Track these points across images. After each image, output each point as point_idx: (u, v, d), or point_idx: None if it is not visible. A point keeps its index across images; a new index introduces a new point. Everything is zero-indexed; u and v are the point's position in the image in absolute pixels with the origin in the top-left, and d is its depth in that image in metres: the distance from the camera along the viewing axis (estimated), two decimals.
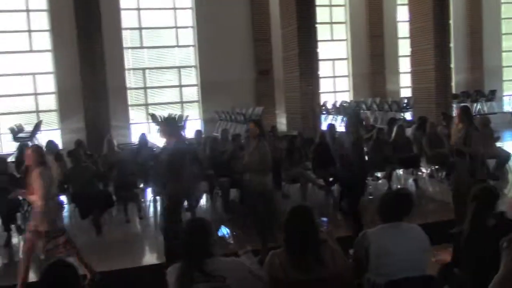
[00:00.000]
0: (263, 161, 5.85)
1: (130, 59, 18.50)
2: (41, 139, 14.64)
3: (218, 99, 17.98)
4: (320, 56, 14.62)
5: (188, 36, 19.17)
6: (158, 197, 8.20)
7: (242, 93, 18.73)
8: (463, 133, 6.35)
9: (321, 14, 18.02)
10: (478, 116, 16.05)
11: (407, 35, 15.88)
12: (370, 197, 8.40)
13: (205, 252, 2.98)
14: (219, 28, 18.19)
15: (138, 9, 18.51)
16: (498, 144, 9.86)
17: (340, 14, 21.25)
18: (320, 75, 14.68)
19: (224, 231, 3.38)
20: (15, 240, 7.28)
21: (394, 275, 3.24)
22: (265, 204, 5.87)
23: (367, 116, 15.59)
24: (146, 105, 18.86)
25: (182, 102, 19.33)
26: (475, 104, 20.18)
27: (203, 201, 8.69)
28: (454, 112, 13.35)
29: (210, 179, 8.31)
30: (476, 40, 21.98)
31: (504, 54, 22.56)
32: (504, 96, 22.07)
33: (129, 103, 18.23)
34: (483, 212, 3.71)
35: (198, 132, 10.66)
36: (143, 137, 10.22)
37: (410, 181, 9.80)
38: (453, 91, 16.70)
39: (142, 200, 8.61)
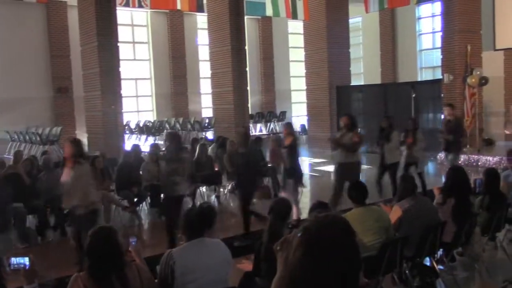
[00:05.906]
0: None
1: None
2: None
3: (10, 118, 16.46)
4: (123, 76, 14.42)
5: None
6: None
7: (38, 111, 17.46)
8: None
9: (123, 33, 17.84)
10: (271, 134, 17.75)
11: (208, 58, 16.60)
12: None
13: None
14: (10, 40, 16.76)
15: None
16: None
17: (143, 34, 21.27)
18: (123, 95, 14.46)
19: (19, 261, 3.12)
20: None
21: None
22: None
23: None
24: None
25: None
26: (268, 124, 22.09)
27: None
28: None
29: None
30: (268, 65, 24.02)
31: (292, 79, 24.96)
32: (292, 116, 24.35)
33: None
34: (278, 223, 4.13)
35: None
36: None
37: (213, 197, 10.21)
38: (250, 111, 17.86)
39: None
